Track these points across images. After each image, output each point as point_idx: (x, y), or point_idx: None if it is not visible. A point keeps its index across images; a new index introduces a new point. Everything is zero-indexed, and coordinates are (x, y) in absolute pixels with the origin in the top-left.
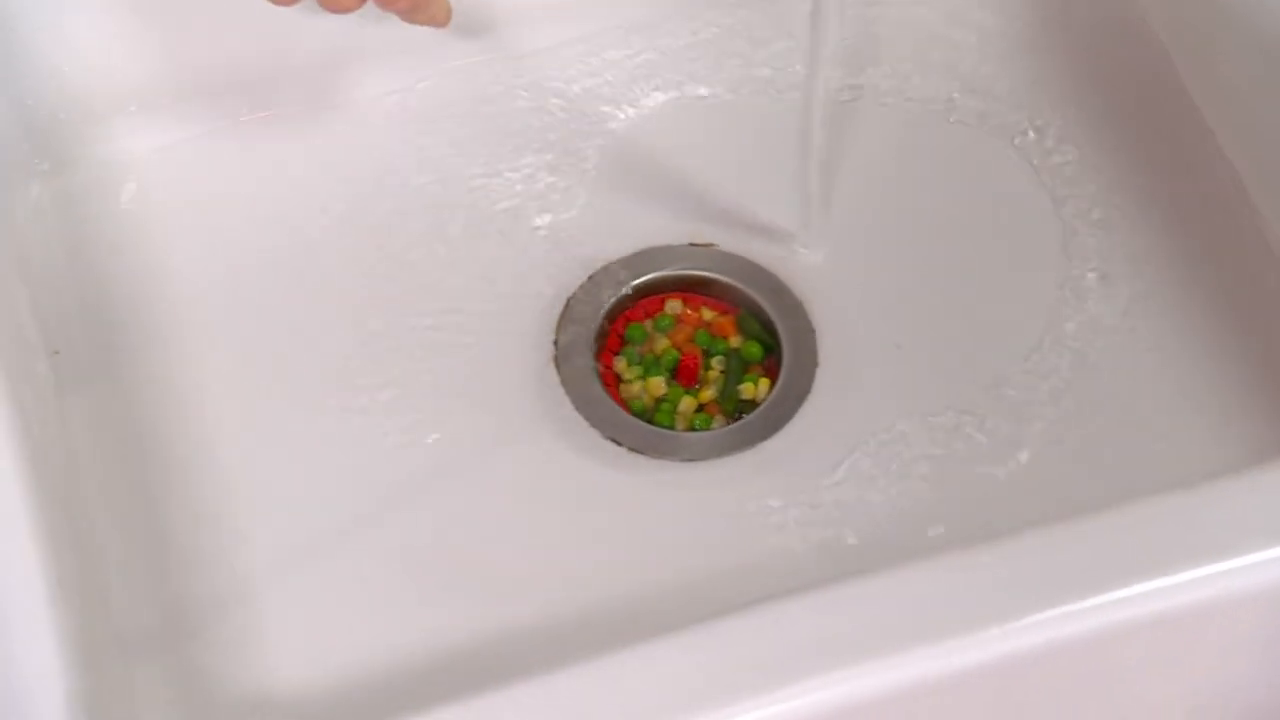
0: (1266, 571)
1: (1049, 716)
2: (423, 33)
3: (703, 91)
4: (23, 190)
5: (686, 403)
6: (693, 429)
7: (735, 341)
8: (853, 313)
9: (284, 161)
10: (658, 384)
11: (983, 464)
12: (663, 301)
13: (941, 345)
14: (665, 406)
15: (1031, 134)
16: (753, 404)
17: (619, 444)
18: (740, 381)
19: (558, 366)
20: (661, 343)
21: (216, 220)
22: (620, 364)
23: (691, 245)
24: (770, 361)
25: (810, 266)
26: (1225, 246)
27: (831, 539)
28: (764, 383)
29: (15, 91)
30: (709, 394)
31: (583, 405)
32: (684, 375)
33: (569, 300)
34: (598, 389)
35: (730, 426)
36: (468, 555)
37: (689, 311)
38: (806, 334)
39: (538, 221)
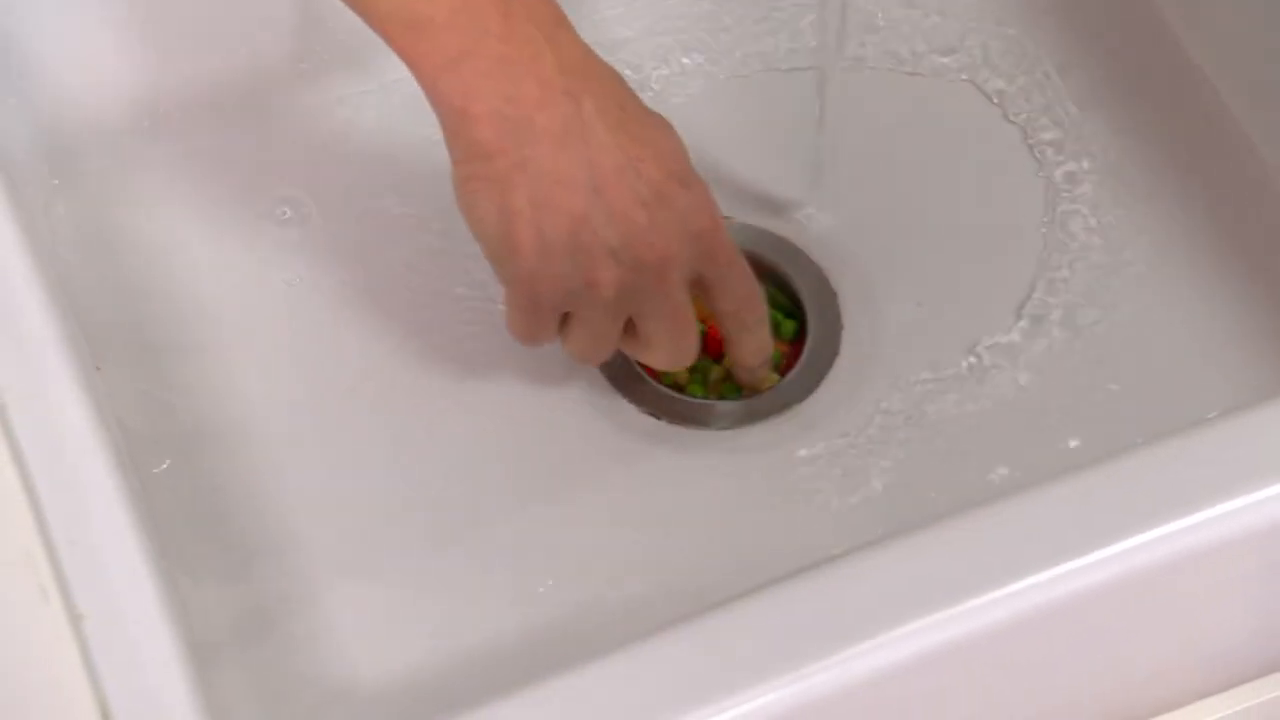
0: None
1: (1088, 657)
2: None
3: (704, 66)
4: (43, 207)
5: (716, 372)
6: (723, 397)
7: None
8: (871, 274)
9: (295, 165)
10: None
11: (1006, 409)
12: None
13: (956, 297)
14: (696, 378)
15: (1024, 93)
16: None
17: (658, 418)
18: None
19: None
20: None
21: (234, 226)
22: None
23: None
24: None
25: (825, 232)
26: (1221, 184)
27: (870, 493)
28: (787, 331)
29: (31, 112)
30: (729, 360)
31: (618, 382)
32: (711, 346)
33: None
34: (631, 366)
35: (765, 393)
36: (525, 538)
37: None
38: (829, 297)
39: None
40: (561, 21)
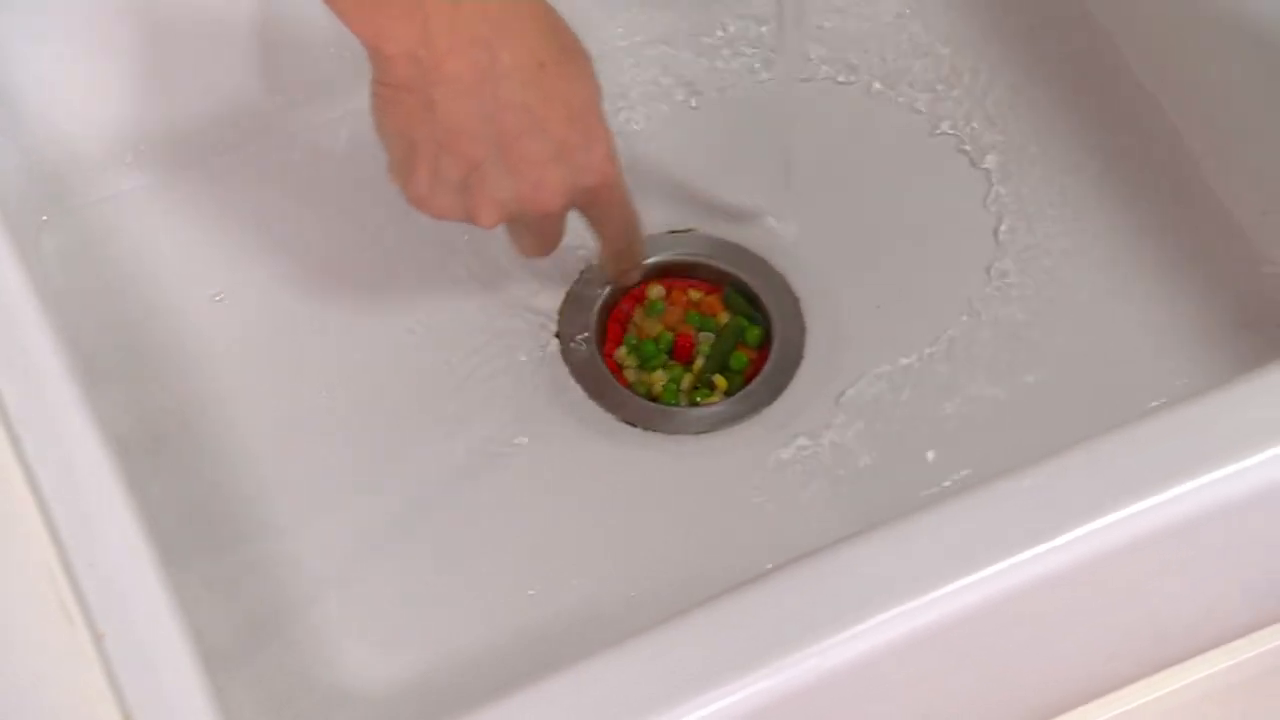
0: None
1: (1077, 629)
2: None
3: (660, 88)
4: (34, 239)
5: (687, 379)
6: (694, 404)
7: (724, 318)
8: (831, 279)
9: (276, 197)
10: (659, 378)
11: (967, 398)
12: (645, 288)
13: (912, 297)
14: (670, 386)
15: (967, 104)
16: (741, 374)
17: (634, 425)
18: (731, 353)
19: (565, 360)
20: (655, 327)
21: (223, 254)
22: (621, 353)
23: (671, 232)
24: (760, 356)
25: (785, 240)
26: (1160, 188)
27: (839, 490)
28: (753, 339)
29: (22, 147)
30: (698, 365)
31: (597, 394)
32: (680, 354)
33: (566, 296)
34: (606, 377)
35: (735, 397)
36: (514, 543)
37: (677, 293)
38: (791, 303)
39: None
40: None
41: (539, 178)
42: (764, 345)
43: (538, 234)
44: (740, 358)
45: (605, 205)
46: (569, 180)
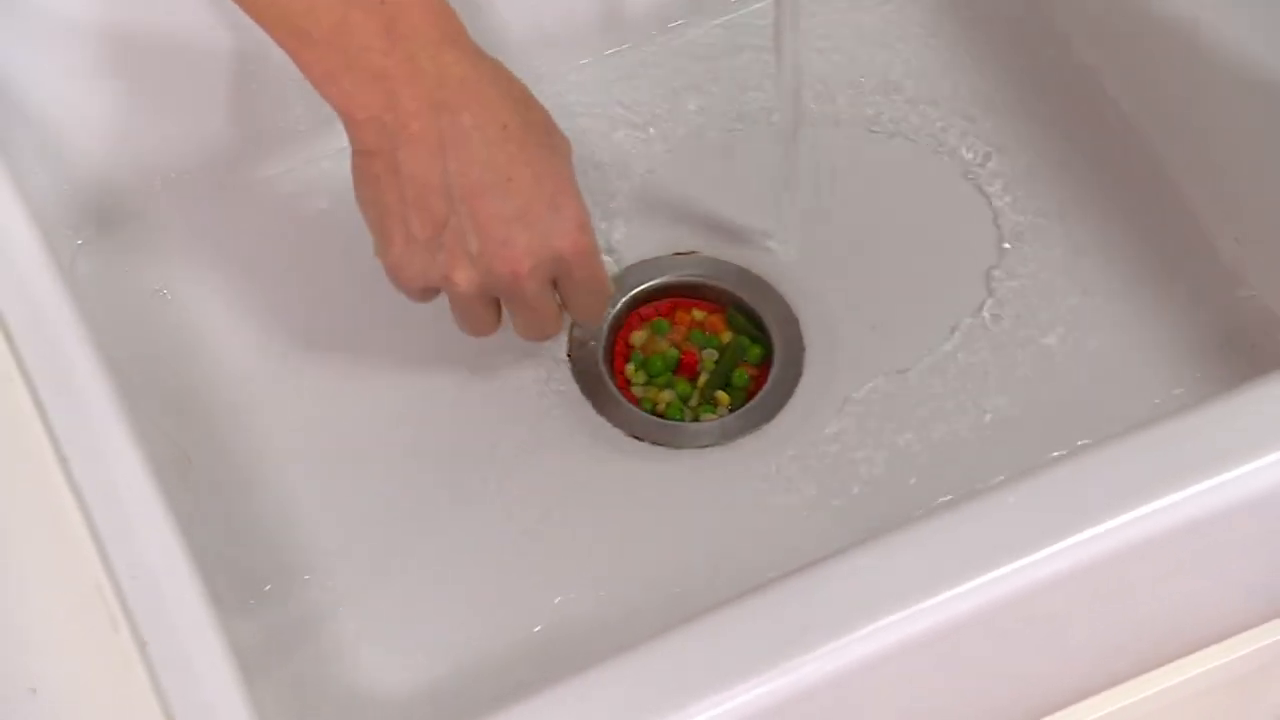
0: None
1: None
2: None
3: (667, 118)
4: (71, 262)
5: (694, 395)
6: (697, 419)
7: (726, 337)
8: (828, 299)
9: (304, 224)
10: (665, 394)
11: (958, 416)
12: (655, 310)
13: (906, 318)
14: (675, 402)
15: (958, 131)
16: (743, 390)
17: (641, 440)
18: (734, 370)
19: (575, 378)
20: (661, 345)
21: (252, 277)
22: (629, 369)
23: (676, 254)
24: (760, 374)
25: (785, 263)
26: (1142, 216)
27: (836, 503)
28: (754, 357)
29: (58, 176)
30: (703, 381)
31: (604, 409)
32: (685, 371)
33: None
34: (614, 393)
35: (738, 412)
36: (528, 554)
37: (682, 313)
38: (791, 323)
39: None
40: (450, 40)
41: (505, 235)
42: (765, 363)
43: (528, 311)
44: (742, 375)
45: (577, 279)
46: (536, 242)
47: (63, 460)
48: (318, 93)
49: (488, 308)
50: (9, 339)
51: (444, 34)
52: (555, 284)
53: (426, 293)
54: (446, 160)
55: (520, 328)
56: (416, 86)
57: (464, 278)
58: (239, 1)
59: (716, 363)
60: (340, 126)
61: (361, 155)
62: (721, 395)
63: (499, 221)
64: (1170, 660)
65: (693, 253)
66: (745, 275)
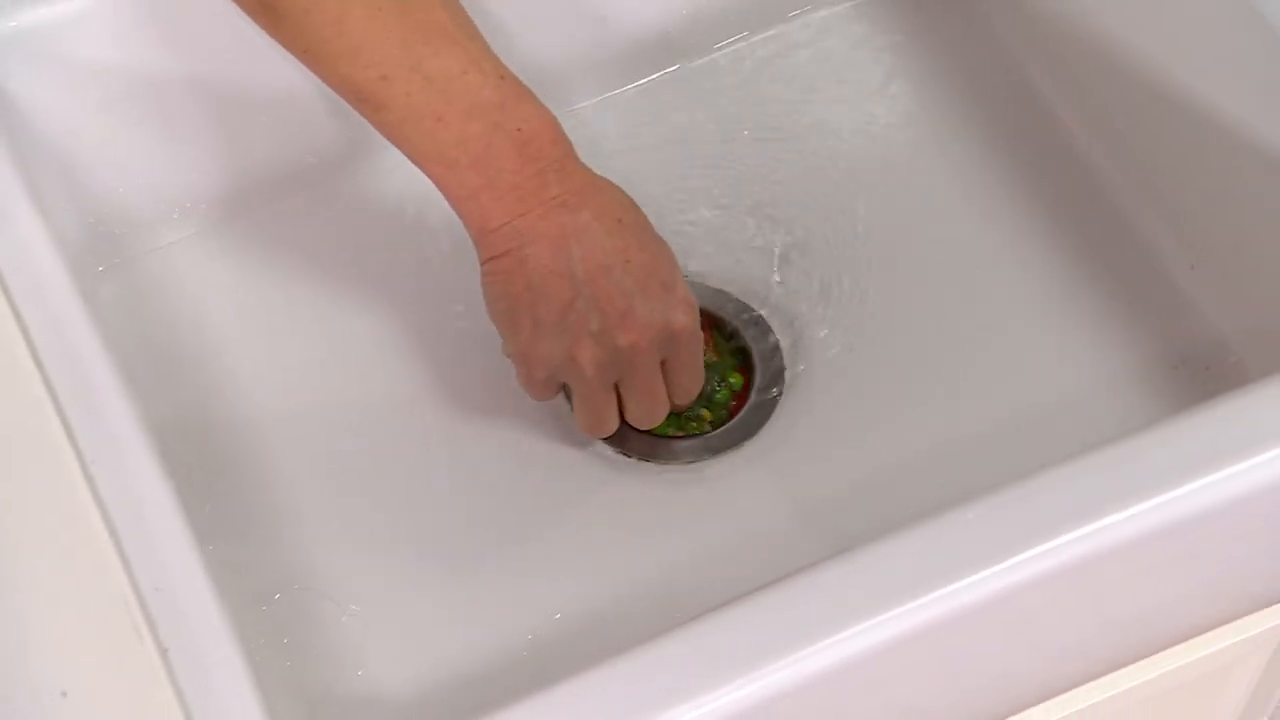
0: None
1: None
2: None
3: (660, 144)
4: (93, 288)
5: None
6: (683, 436)
7: (712, 358)
8: (808, 322)
9: (314, 249)
10: None
11: (927, 434)
12: None
13: (878, 341)
14: (670, 419)
15: (928, 165)
16: (725, 408)
17: (628, 455)
18: (718, 390)
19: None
20: None
21: (266, 301)
22: None
23: None
24: (745, 367)
25: (766, 287)
26: (1099, 246)
27: (815, 516)
28: (736, 382)
29: (81, 205)
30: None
31: None
32: None
33: None
34: None
35: (720, 430)
36: (522, 563)
37: None
38: (772, 345)
39: None
40: (568, 156)
41: (626, 307)
42: (746, 384)
43: (642, 392)
44: (724, 393)
45: (683, 359)
46: (655, 316)
47: (90, 479)
48: (453, 208)
49: (608, 396)
50: (39, 364)
51: (564, 152)
52: (662, 365)
53: (550, 385)
54: (570, 248)
55: (633, 412)
56: (543, 194)
57: (588, 356)
58: (386, 131)
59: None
60: (354, 161)
61: (491, 260)
62: (705, 412)
63: (620, 295)
64: (1131, 662)
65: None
66: (726, 298)
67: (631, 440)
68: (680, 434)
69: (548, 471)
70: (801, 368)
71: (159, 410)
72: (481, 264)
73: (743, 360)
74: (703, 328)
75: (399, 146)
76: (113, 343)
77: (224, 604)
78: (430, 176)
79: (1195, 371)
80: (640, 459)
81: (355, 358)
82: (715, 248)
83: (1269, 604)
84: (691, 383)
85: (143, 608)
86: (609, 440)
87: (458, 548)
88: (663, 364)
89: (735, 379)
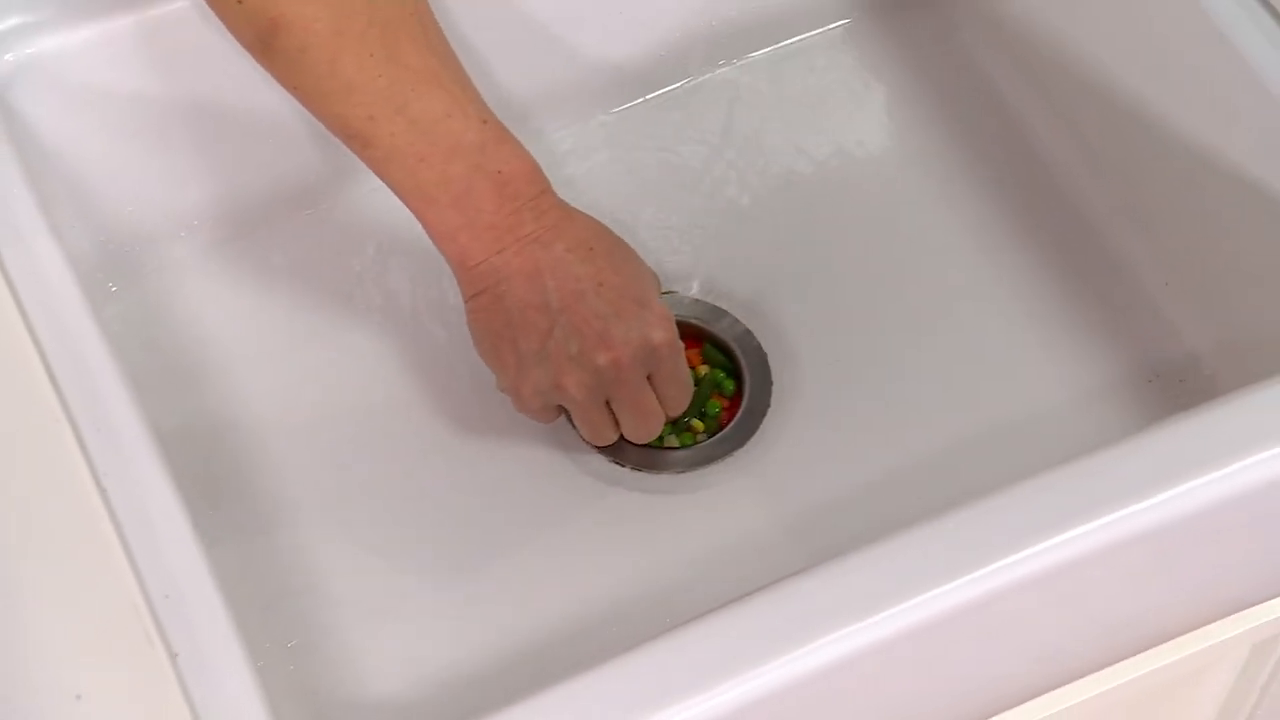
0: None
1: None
2: None
3: (640, 168)
4: (104, 307)
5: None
6: (675, 447)
7: (703, 370)
8: (794, 336)
9: (318, 266)
10: None
11: (908, 446)
12: None
13: (863, 356)
14: (668, 426)
15: (910, 187)
16: (715, 419)
17: (622, 465)
18: (708, 400)
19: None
20: None
21: (271, 315)
22: None
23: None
24: (732, 405)
25: (754, 302)
26: (1076, 263)
27: (801, 523)
28: (728, 388)
29: (92, 226)
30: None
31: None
32: None
33: None
34: None
35: (710, 441)
36: (520, 569)
37: None
38: (760, 358)
39: None
40: (543, 193)
41: (601, 329)
42: (737, 394)
43: (633, 408)
44: (715, 405)
45: (667, 371)
46: (631, 334)
47: (101, 490)
48: (439, 248)
49: (602, 413)
50: (53, 380)
51: (540, 190)
52: (649, 379)
53: (548, 410)
54: (544, 280)
55: (629, 429)
56: (519, 231)
57: (573, 380)
58: (373, 166)
59: (693, 394)
60: (354, 181)
61: (472, 299)
62: (696, 423)
63: (595, 318)
64: (1110, 665)
65: (671, 292)
66: (718, 312)
67: (625, 450)
68: (675, 446)
69: (544, 481)
70: (788, 381)
71: (168, 421)
72: (465, 301)
73: (732, 371)
74: (690, 341)
75: (384, 181)
76: (123, 356)
77: (231, 609)
78: (413, 212)
79: (1169, 385)
80: (633, 468)
81: (355, 370)
82: (701, 264)
83: (1241, 609)
84: (679, 394)
85: (153, 614)
86: (603, 450)
87: (458, 554)
88: (651, 379)
89: (727, 384)
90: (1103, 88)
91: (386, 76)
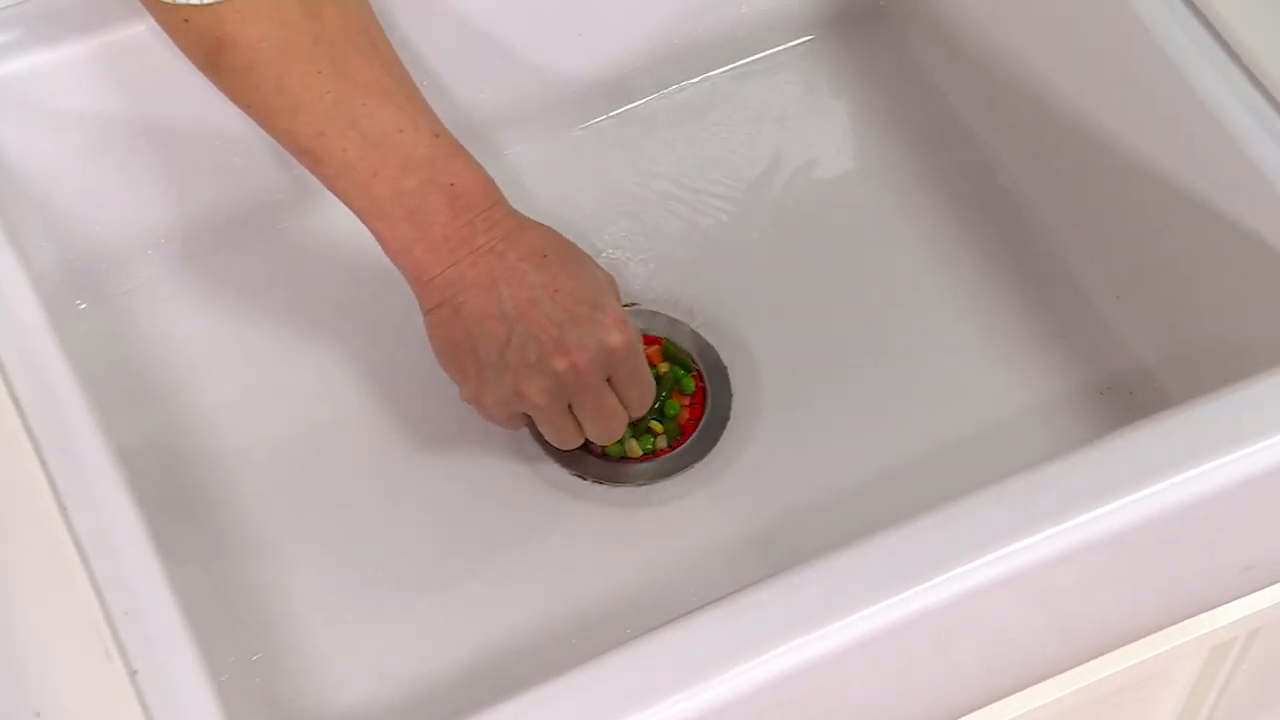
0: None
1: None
2: None
3: (600, 186)
4: (70, 326)
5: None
6: (636, 458)
7: (664, 368)
8: (754, 348)
9: (284, 285)
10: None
11: (865, 458)
12: None
13: (821, 370)
14: (629, 430)
15: (867, 202)
16: (675, 420)
17: (584, 478)
18: (668, 400)
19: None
20: None
21: (235, 333)
22: None
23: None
24: (696, 393)
25: (714, 315)
26: (1029, 278)
27: (761, 533)
28: (688, 386)
29: (60, 245)
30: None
31: (551, 450)
32: None
33: None
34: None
35: (670, 454)
36: (483, 580)
37: None
38: (720, 371)
39: None
40: (495, 204)
41: (558, 335)
42: (698, 397)
43: (595, 412)
44: (674, 405)
45: (626, 373)
46: (587, 338)
47: (63, 510)
48: (395, 263)
49: (565, 418)
50: (15, 400)
51: (493, 202)
52: (609, 383)
53: (512, 418)
54: (499, 290)
55: (592, 431)
56: (472, 243)
57: (533, 388)
58: (327, 183)
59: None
60: (319, 199)
61: (430, 312)
62: (655, 425)
63: (551, 325)
64: (1071, 667)
65: (633, 304)
66: (678, 326)
67: (587, 463)
68: (637, 458)
69: (506, 494)
70: (748, 393)
71: (135, 437)
72: (424, 315)
73: (692, 370)
74: (650, 338)
75: (339, 197)
76: (91, 373)
77: (191, 625)
78: (368, 227)
79: (1120, 397)
80: (595, 481)
81: (319, 387)
82: (661, 277)
83: (1196, 614)
84: (641, 395)
85: (113, 631)
86: (565, 464)
87: (420, 568)
88: (612, 381)
89: (687, 382)
90: (1055, 106)
91: (335, 93)
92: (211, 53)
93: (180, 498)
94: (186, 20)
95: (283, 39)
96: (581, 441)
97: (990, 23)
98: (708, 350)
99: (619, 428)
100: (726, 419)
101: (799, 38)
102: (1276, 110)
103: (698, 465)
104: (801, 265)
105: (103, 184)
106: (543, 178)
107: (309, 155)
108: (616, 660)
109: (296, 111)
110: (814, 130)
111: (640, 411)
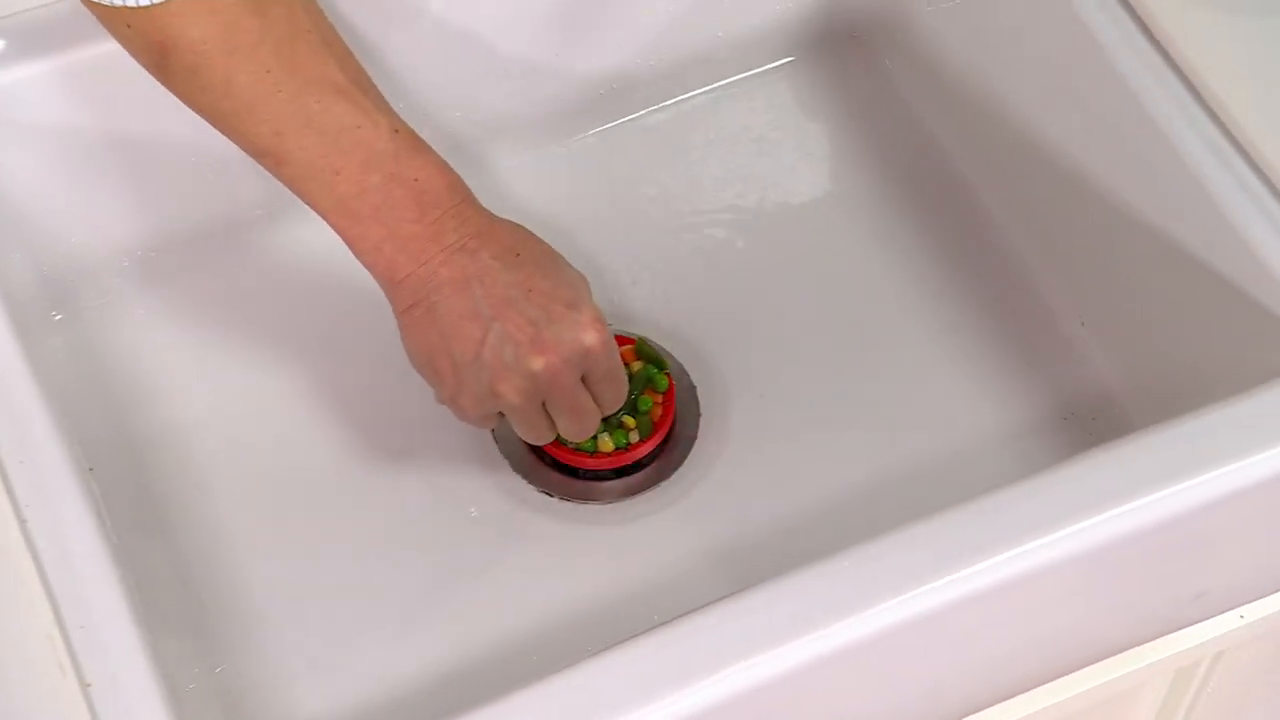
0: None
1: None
2: None
3: (580, 201)
4: (42, 338)
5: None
6: (607, 443)
7: (636, 366)
8: (723, 368)
9: (258, 300)
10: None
11: (833, 479)
12: None
13: (788, 392)
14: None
15: (842, 225)
16: (648, 415)
17: (551, 495)
18: (640, 396)
19: (495, 439)
20: None
21: (209, 346)
22: None
23: None
24: (666, 400)
25: (683, 335)
26: (996, 303)
27: (727, 550)
28: (660, 383)
29: (35, 259)
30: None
31: (520, 468)
32: None
33: None
34: (526, 454)
35: (641, 473)
36: (445, 596)
37: None
38: (689, 390)
39: None
40: (465, 202)
41: (533, 335)
42: (671, 386)
43: (569, 411)
44: (647, 401)
45: (601, 371)
46: (563, 336)
47: (22, 523)
48: (365, 267)
49: (539, 415)
50: None
51: (461, 199)
52: (583, 381)
53: (487, 418)
54: (473, 289)
55: (566, 429)
56: (442, 240)
57: (508, 387)
58: (290, 185)
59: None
60: (292, 214)
61: (404, 313)
62: (628, 420)
63: (527, 324)
64: (1029, 689)
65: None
66: (645, 347)
67: (554, 480)
68: (607, 477)
69: (472, 510)
70: (716, 412)
71: (105, 448)
72: (397, 318)
73: (664, 367)
74: (623, 336)
75: (304, 200)
76: (59, 391)
77: (147, 639)
78: (335, 230)
79: (1084, 421)
80: (562, 498)
81: (288, 400)
82: (632, 297)
83: (1154, 636)
84: (615, 393)
85: (67, 644)
86: (532, 480)
87: (386, 583)
88: (586, 379)
89: (660, 380)
90: (1027, 135)
91: (287, 91)
92: (158, 56)
93: (148, 508)
94: (129, 25)
95: (226, 39)
96: (554, 438)
97: (966, 51)
98: (676, 369)
99: (592, 425)
100: (694, 438)
101: (778, 59)
102: (1238, 151)
103: (664, 484)
104: (773, 286)
105: (77, 197)
106: (516, 193)
107: (270, 157)
108: (576, 675)
109: (250, 112)
110: (790, 152)
111: (613, 409)
